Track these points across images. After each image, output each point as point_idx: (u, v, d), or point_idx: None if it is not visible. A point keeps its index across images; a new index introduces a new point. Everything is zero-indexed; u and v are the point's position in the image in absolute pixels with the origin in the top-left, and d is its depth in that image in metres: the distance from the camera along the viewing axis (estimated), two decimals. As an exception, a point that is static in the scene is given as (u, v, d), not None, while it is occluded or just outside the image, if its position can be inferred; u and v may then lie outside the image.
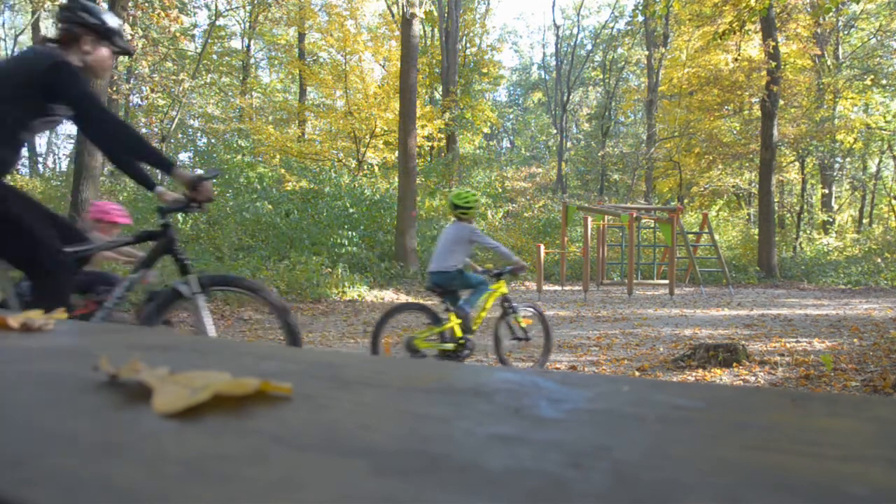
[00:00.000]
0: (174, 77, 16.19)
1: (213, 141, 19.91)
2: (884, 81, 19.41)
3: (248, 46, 24.25)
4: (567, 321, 7.35)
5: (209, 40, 19.20)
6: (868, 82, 18.67)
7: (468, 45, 24.29)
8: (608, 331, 6.45)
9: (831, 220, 21.45)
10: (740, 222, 21.92)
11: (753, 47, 18.35)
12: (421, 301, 4.48)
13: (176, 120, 17.71)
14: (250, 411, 0.37)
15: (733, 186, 21.98)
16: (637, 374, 4.22)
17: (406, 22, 12.73)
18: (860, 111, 19.83)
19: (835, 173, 22.63)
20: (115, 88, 12.83)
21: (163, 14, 10.62)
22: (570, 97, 30.93)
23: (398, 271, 11.92)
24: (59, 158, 29.63)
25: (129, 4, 9.11)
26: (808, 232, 21.23)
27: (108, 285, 2.99)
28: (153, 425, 0.34)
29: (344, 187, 14.69)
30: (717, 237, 14.54)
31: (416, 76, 13.14)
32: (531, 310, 4.55)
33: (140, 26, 10.64)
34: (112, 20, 2.45)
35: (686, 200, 22.53)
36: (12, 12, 26.18)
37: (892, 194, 23.32)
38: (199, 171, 2.72)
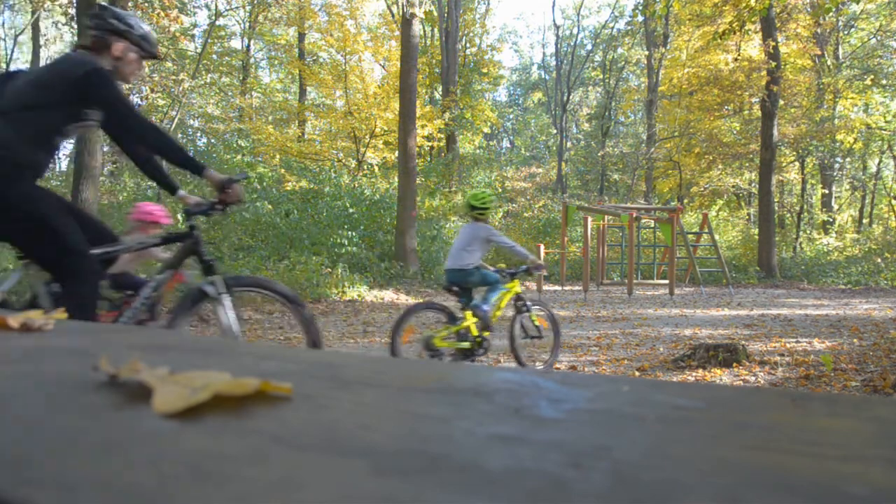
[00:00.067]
0: (174, 77, 16.18)
1: (213, 141, 19.90)
2: (884, 81, 19.40)
3: (248, 46, 24.24)
4: (567, 321, 7.35)
5: (209, 40, 19.19)
6: (868, 82, 18.67)
7: (468, 45, 24.29)
8: (608, 331, 6.45)
9: (831, 220, 21.44)
10: (740, 222, 21.91)
11: (753, 47, 18.35)
12: (431, 301, 4.54)
13: (176, 120, 17.71)
14: (250, 411, 0.37)
15: (733, 186, 21.97)
16: (637, 374, 4.22)
17: (406, 22, 12.73)
18: (860, 111, 19.83)
19: (835, 173, 22.62)
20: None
21: (163, 14, 10.62)
22: (570, 97, 30.92)
23: (398, 271, 11.92)
24: (59, 158, 29.62)
25: (129, 4, 9.11)
26: (808, 232, 21.23)
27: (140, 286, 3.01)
28: (153, 425, 0.34)
29: (344, 187, 14.69)
30: (717, 237, 14.54)
31: (416, 76, 13.14)
32: (542, 309, 4.64)
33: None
34: (141, 26, 2.53)
35: (686, 200, 22.53)
36: (12, 12, 26.19)
37: (892, 194, 23.31)
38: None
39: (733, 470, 0.28)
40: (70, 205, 2.52)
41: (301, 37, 22.03)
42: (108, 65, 2.41)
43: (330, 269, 10.39)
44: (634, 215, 11.65)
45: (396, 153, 14.88)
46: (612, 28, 29.83)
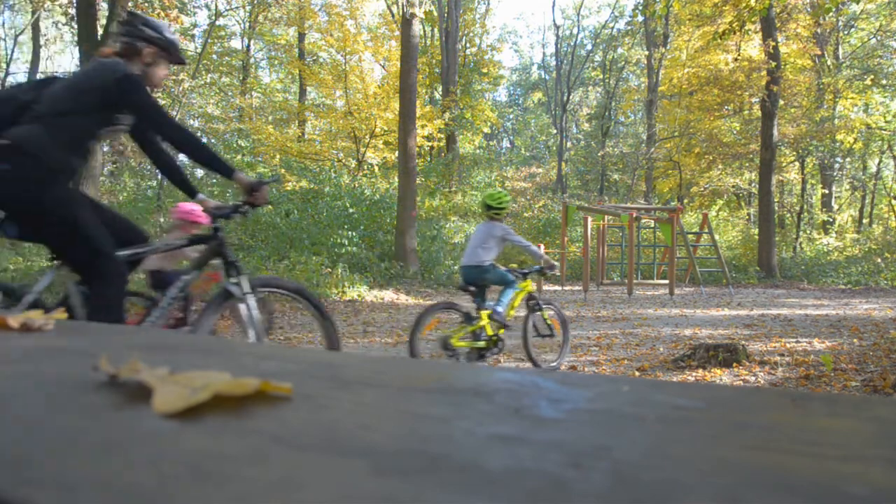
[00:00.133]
0: (174, 77, 16.18)
1: (213, 141, 19.89)
2: (884, 81, 19.40)
3: (248, 46, 24.24)
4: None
5: (209, 40, 19.19)
6: (868, 82, 18.67)
7: (468, 45, 24.28)
8: (608, 331, 6.45)
9: (831, 220, 21.44)
10: (740, 222, 21.91)
11: (753, 47, 18.35)
12: (447, 301, 4.62)
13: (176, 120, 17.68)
14: (250, 411, 0.37)
15: (733, 186, 21.97)
16: (637, 374, 4.22)
17: (406, 22, 12.73)
18: (860, 111, 19.83)
19: (835, 173, 22.62)
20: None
21: (163, 14, 10.62)
22: (570, 97, 30.92)
23: (398, 271, 11.92)
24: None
25: (129, 4, 9.11)
26: (808, 232, 21.22)
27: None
28: (153, 425, 0.34)
29: (344, 187, 14.68)
30: (717, 237, 14.54)
31: (416, 76, 13.14)
32: (553, 308, 4.73)
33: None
34: (170, 33, 2.60)
35: (686, 200, 22.52)
36: (12, 12, 26.18)
37: (892, 194, 23.31)
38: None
39: (733, 470, 0.28)
40: (100, 205, 2.58)
41: (301, 37, 22.02)
42: (137, 70, 2.48)
43: (330, 269, 10.39)
44: (634, 215, 11.65)
45: (396, 153, 14.88)
46: (612, 28, 29.84)
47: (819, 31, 18.96)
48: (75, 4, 9.58)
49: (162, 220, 11.72)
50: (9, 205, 2.25)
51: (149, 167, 16.29)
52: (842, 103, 19.58)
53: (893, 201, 23.07)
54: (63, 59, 34.04)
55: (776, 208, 18.21)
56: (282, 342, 5.63)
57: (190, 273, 2.67)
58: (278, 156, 18.02)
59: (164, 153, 2.77)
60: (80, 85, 2.38)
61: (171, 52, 2.59)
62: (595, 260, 12.84)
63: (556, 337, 4.69)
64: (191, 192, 2.85)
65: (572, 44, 32.06)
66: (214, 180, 14.02)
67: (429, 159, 20.93)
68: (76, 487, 0.26)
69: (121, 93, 2.35)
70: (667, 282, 11.72)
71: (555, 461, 0.29)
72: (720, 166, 21.15)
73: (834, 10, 10.27)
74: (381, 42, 21.27)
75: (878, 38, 20.62)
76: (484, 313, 4.29)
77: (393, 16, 19.83)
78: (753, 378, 3.94)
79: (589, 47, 32.45)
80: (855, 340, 5.52)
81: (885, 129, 19.25)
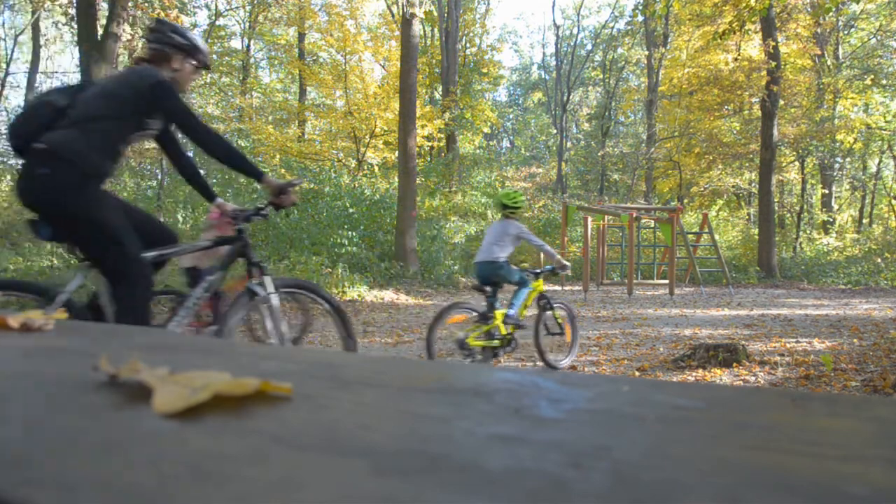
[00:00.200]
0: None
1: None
2: (884, 81, 19.40)
3: (248, 46, 24.23)
4: (567, 321, 7.35)
5: (209, 40, 19.20)
6: (868, 82, 18.67)
7: (468, 45, 24.27)
8: (608, 331, 6.45)
9: (831, 220, 21.44)
10: (740, 222, 21.91)
11: (753, 47, 18.35)
12: (463, 302, 4.72)
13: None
14: (250, 411, 0.37)
15: (733, 186, 21.97)
16: (637, 374, 4.22)
17: (406, 22, 12.72)
18: (860, 111, 19.82)
19: (835, 173, 22.62)
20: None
21: (163, 14, 10.62)
22: (570, 97, 30.92)
23: (398, 271, 11.92)
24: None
25: (129, 4, 9.12)
26: (808, 232, 21.22)
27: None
28: (153, 425, 0.34)
29: (344, 187, 14.67)
30: (717, 237, 14.54)
31: (416, 76, 13.13)
32: (564, 307, 4.81)
33: (140, 26, 10.66)
34: (198, 39, 2.68)
35: (686, 200, 22.52)
36: (12, 12, 26.17)
37: (892, 194, 23.31)
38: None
39: (733, 470, 0.28)
40: (129, 206, 2.64)
41: (301, 37, 22.01)
42: (167, 75, 2.55)
43: (330, 269, 10.39)
44: (634, 215, 11.65)
45: (396, 153, 14.87)
46: (612, 28, 29.83)
47: (819, 31, 18.96)
48: (75, 4, 9.58)
49: (161, 220, 11.71)
50: (45, 207, 2.31)
51: (149, 167, 16.28)
52: (842, 103, 19.58)
53: (893, 201, 23.07)
54: (63, 59, 34.03)
55: (776, 208, 18.21)
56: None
57: (215, 273, 2.72)
58: (278, 156, 18.01)
59: (185, 157, 2.84)
60: (114, 91, 2.43)
61: (198, 57, 2.66)
62: (595, 260, 12.83)
63: (565, 335, 4.76)
64: (209, 196, 2.92)
65: (572, 44, 32.06)
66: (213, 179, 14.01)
67: (429, 159, 20.93)
68: (76, 487, 0.26)
69: (154, 98, 2.42)
70: (667, 282, 11.72)
71: (555, 461, 0.29)
72: (720, 166, 21.15)
73: (834, 10, 10.28)
74: (381, 42, 21.26)
75: (878, 38, 20.62)
76: (498, 313, 4.36)
77: (393, 16, 19.83)
78: (753, 378, 3.94)
79: (589, 47, 32.46)
80: (855, 340, 5.52)
81: (885, 129, 19.24)
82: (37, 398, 0.41)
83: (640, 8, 10.79)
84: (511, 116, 37.56)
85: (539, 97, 36.87)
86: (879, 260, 16.67)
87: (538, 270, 4.68)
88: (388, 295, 10.39)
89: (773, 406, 0.41)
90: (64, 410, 0.38)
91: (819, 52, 19.02)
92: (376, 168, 18.75)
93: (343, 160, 20.27)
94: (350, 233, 12.09)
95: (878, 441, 0.32)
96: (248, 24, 22.98)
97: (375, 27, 22.70)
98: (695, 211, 20.80)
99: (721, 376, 4.02)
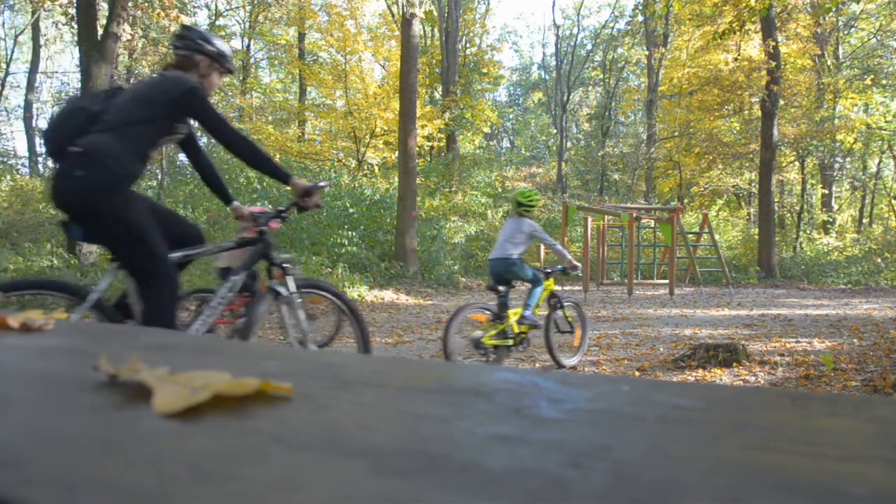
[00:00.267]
0: (174, 77, 16.15)
1: (213, 141, 19.92)
2: (884, 81, 19.40)
3: (248, 46, 24.24)
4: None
5: (209, 40, 19.16)
6: (868, 82, 18.67)
7: (468, 45, 24.27)
8: (608, 331, 6.45)
9: (831, 220, 21.44)
10: (740, 222, 21.91)
11: (753, 47, 18.35)
12: (476, 302, 4.77)
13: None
14: (250, 411, 0.37)
15: (733, 186, 21.97)
16: (637, 374, 4.22)
17: (406, 22, 12.72)
18: (860, 111, 19.82)
19: (835, 173, 22.62)
20: (115, 88, 12.83)
21: (163, 14, 10.62)
22: (570, 97, 30.92)
23: (398, 271, 11.92)
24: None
25: (129, 4, 9.11)
26: (808, 232, 21.23)
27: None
28: (153, 425, 0.34)
29: (344, 187, 14.67)
30: (717, 237, 14.54)
31: (416, 76, 13.13)
32: (575, 306, 4.87)
33: (140, 26, 10.65)
34: (224, 46, 2.77)
35: (686, 200, 22.52)
36: (12, 12, 26.17)
37: (892, 194, 23.31)
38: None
39: (733, 470, 0.28)
40: (156, 206, 2.71)
41: (301, 37, 22.02)
42: (195, 80, 2.63)
43: (330, 269, 10.39)
44: (634, 215, 11.65)
45: (396, 153, 14.87)
46: (612, 28, 29.83)
47: (819, 31, 18.96)
48: (75, 4, 9.57)
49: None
50: (78, 209, 2.38)
51: (149, 167, 16.27)
52: (842, 103, 19.57)
53: (893, 201, 23.07)
54: (63, 59, 34.07)
55: (776, 208, 18.20)
56: (282, 342, 5.62)
57: (239, 273, 2.78)
58: (278, 156, 18.01)
59: (206, 160, 2.93)
60: (146, 96, 2.51)
61: (224, 63, 2.75)
62: (595, 260, 12.83)
63: (574, 334, 4.81)
64: (227, 200, 3.01)
65: (572, 44, 32.06)
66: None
67: (429, 159, 20.92)
68: (76, 487, 0.26)
69: (186, 104, 2.51)
70: (667, 282, 11.72)
71: (555, 461, 0.29)
72: (720, 166, 21.15)
73: (834, 10, 10.27)
74: (381, 42, 21.26)
75: (878, 38, 20.62)
76: (511, 312, 4.42)
77: (393, 16, 19.82)
78: (753, 378, 3.94)
79: (589, 47, 32.45)
80: (855, 340, 5.52)
81: (885, 129, 19.25)
82: (37, 398, 0.41)
83: (640, 8, 10.79)
84: (511, 116, 37.56)
85: (539, 97, 36.87)
86: (879, 260, 16.67)
87: (549, 270, 4.73)
88: (388, 295, 10.39)
89: (773, 406, 0.41)
90: (64, 410, 0.38)
91: (819, 52, 19.02)
92: (376, 168, 18.75)
93: (343, 160, 20.27)
94: (350, 233, 12.09)
95: (878, 441, 0.32)
96: (248, 24, 22.99)
97: (375, 27, 22.71)
98: (695, 211, 20.80)
99: (721, 376, 4.02)
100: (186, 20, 18.41)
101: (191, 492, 0.25)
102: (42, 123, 30.15)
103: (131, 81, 17.27)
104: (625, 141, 28.64)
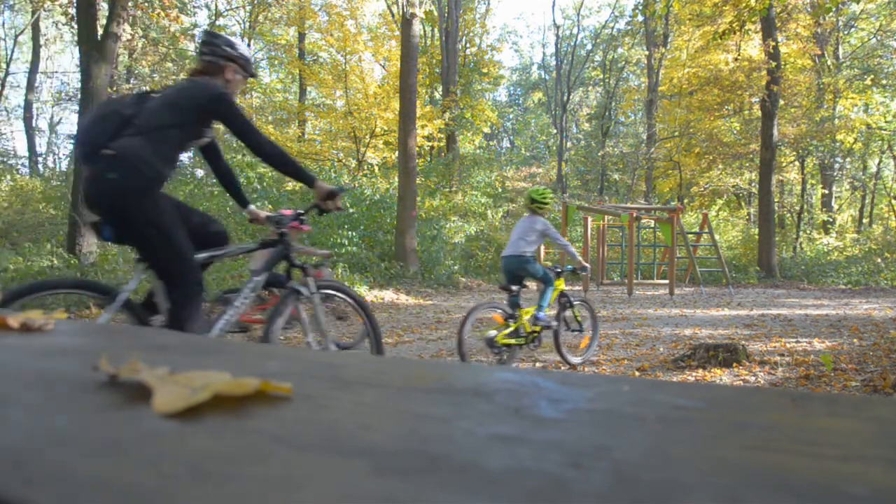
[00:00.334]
0: (174, 77, 16.17)
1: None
2: (884, 81, 19.40)
3: (248, 46, 24.21)
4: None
5: (209, 40, 19.15)
6: (868, 82, 18.67)
7: (468, 45, 24.27)
8: (608, 331, 6.45)
9: (831, 220, 21.45)
10: (740, 222, 21.91)
11: (753, 47, 18.35)
12: (489, 301, 4.81)
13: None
14: (250, 411, 0.37)
15: (733, 186, 21.98)
16: (637, 374, 4.22)
17: (406, 22, 12.72)
18: (860, 111, 19.83)
19: (835, 173, 22.62)
20: (114, 88, 12.83)
21: (163, 14, 10.62)
22: (570, 97, 30.92)
23: (398, 271, 11.92)
24: (60, 158, 29.63)
25: (129, 4, 9.11)
26: (808, 232, 21.23)
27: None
28: (153, 425, 0.34)
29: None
30: (717, 237, 14.55)
31: (416, 76, 13.13)
32: (585, 305, 4.91)
33: (140, 26, 10.64)
34: (248, 51, 2.85)
35: (686, 200, 22.53)
36: (12, 12, 26.17)
37: (892, 194, 23.31)
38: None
39: (733, 470, 0.28)
40: (183, 206, 2.75)
41: (301, 37, 22.02)
42: (222, 86, 2.70)
43: (330, 269, 10.39)
44: (634, 215, 11.65)
45: (396, 153, 14.87)
46: (612, 28, 29.83)
47: (819, 31, 18.96)
48: (75, 4, 9.57)
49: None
50: (111, 211, 2.44)
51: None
52: (842, 103, 19.58)
53: (893, 201, 23.08)
54: (63, 59, 34.08)
55: (776, 208, 18.21)
56: (281, 342, 5.62)
57: (260, 274, 2.84)
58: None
59: (225, 166, 2.99)
60: (176, 102, 2.58)
61: (247, 68, 2.83)
62: (595, 260, 12.83)
63: (584, 332, 4.85)
64: (243, 203, 3.06)
65: (572, 44, 32.06)
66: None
67: (429, 159, 20.92)
68: (76, 487, 0.26)
69: (215, 109, 2.58)
70: (667, 282, 11.73)
71: (555, 461, 0.29)
72: (720, 166, 21.16)
73: (834, 10, 10.27)
74: (381, 42, 21.26)
75: (878, 38, 20.63)
76: (523, 311, 4.47)
77: (393, 16, 19.83)
78: (753, 378, 3.94)
79: (589, 47, 32.45)
80: (855, 340, 5.52)
81: (885, 129, 19.25)
82: (37, 398, 0.41)
83: (640, 8, 10.79)
84: (511, 116, 37.56)
85: (539, 97, 36.88)
86: (879, 260, 16.67)
87: (559, 269, 4.77)
88: (388, 295, 10.39)
89: (773, 406, 0.41)
90: (64, 410, 0.38)
91: (819, 52, 19.02)
92: (376, 168, 18.75)
93: (343, 160, 20.28)
94: (350, 233, 12.09)
95: (878, 441, 0.32)
96: (248, 24, 22.98)
97: (375, 27, 22.71)
98: (695, 211, 20.81)
99: (721, 376, 4.02)
100: (186, 20, 18.42)
101: (191, 492, 0.25)
102: (42, 124, 30.12)
103: (131, 82, 17.27)
104: (625, 141, 28.65)
